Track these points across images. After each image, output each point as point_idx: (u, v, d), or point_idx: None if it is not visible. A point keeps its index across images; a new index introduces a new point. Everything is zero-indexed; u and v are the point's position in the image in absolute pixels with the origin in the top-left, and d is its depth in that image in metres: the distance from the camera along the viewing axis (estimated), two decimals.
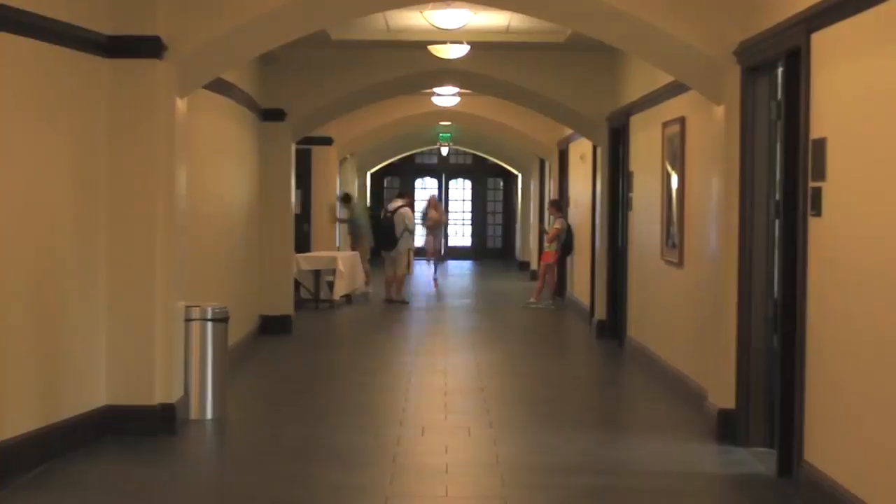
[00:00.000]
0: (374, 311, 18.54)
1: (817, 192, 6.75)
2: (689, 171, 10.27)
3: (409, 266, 21.00)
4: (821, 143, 6.69)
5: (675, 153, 10.69)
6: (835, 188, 6.55)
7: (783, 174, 7.55)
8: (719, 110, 8.73)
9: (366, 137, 23.11)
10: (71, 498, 6.97)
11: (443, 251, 28.26)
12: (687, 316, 10.21)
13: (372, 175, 33.11)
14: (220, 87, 11.32)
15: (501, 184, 36.50)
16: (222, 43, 8.87)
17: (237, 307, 11.02)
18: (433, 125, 26.59)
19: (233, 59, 10.14)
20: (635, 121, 13.06)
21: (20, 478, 7.14)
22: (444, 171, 36.53)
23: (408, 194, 21.21)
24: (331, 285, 18.73)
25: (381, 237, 19.94)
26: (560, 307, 19.04)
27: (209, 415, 9.17)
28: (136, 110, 8.43)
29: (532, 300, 19.24)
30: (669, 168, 10.99)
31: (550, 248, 18.97)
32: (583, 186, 17.54)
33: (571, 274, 19.23)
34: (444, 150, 33.79)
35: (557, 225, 18.91)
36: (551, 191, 22.38)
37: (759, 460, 7.92)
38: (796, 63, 7.17)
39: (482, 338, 15.09)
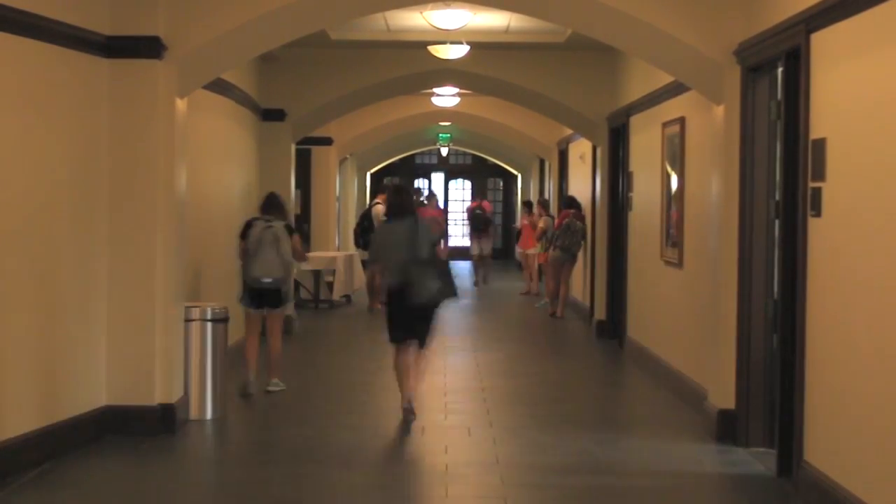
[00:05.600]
0: (373, 312, 18.52)
1: (817, 193, 6.75)
2: (689, 171, 10.27)
3: None
4: (821, 144, 6.69)
5: (675, 153, 10.69)
6: (835, 188, 6.55)
7: (783, 174, 7.55)
8: (719, 110, 8.73)
9: (366, 137, 23.11)
10: (71, 498, 6.97)
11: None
12: (687, 316, 10.21)
13: (372, 175, 33.11)
14: (220, 87, 11.33)
15: (501, 184, 36.50)
16: (222, 43, 8.87)
17: (237, 307, 11.00)
18: (433, 125, 26.59)
19: (233, 59, 10.14)
20: (635, 121, 13.06)
21: (20, 477, 7.14)
22: (444, 171, 36.54)
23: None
24: (330, 286, 18.71)
25: (362, 238, 19.04)
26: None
27: (209, 415, 9.17)
28: (136, 110, 8.44)
29: (545, 300, 19.14)
30: (669, 168, 10.99)
31: (539, 249, 19.09)
32: (583, 186, 17.54)
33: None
34: (444, 151, 33.80)
35: (541, 224, 19.22)
36: (547, 190, 22.55)
37: (759, 460, 7.92)
38: (796, 63, 7.18)
39: (482, 338, 15.09)
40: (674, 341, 10.83)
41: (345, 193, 25.14)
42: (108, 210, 8.40)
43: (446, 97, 20.24)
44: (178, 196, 8.75)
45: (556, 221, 17.99)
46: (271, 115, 14.77)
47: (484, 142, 29.34)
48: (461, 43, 13.87)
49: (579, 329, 16.22)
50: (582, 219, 16.99)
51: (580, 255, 17.19)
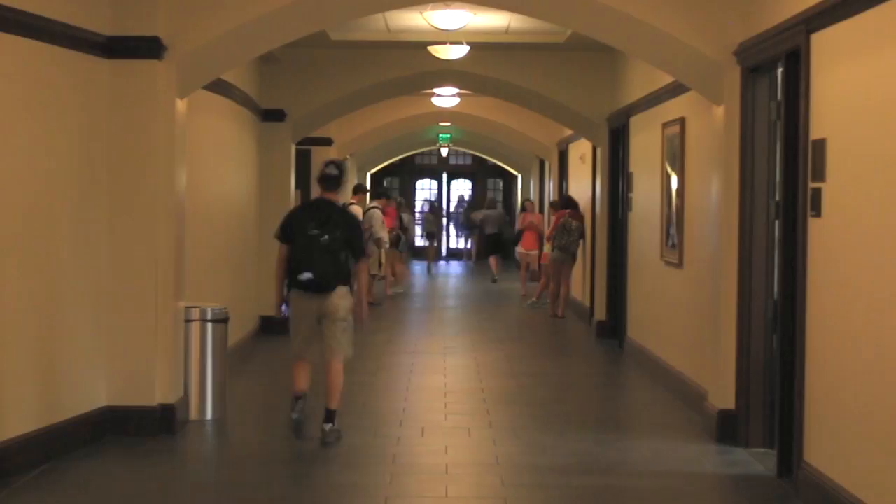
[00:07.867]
0: (371, 312, 18.51)
1: (817, 193, 6.75)
2: (689, 172, 10.27)
3: (380, 268, 20.67)
4: (821, 144, 6.69)
5: (675, 154, 10.69)
6: (834, 189, 6.55)
7: (783, 175, 7.55)
8: (719, 111, 8.73)
9: (366, 137, 23.12)
10: (71, 498, 6.97)
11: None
12: (687, 316, 10.21)
13: (372, 175, 33.12)
14: (220, 87, 11.33)
15: (501, 184, 36.50)
16: (222, 43, 8.87)
17: (237, 307, 11.01)
18: (433, 126, 26.60)
19: (233, 59, 10.14)
20: (635, 121, 13.06)
21: (21, 478, 7.14)
22: (444, 171, 36.54)
23: (363, 191, 19.30)
24: None
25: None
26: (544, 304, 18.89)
27: (209, 415, 9.17)
28: (136, 111, 8.43)
29: (534, 298, 19.39)
30: (669, 168, 10.99)
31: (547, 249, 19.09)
32: (583, 187, 17.54)
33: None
34: (444, 151, 33.82)
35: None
36: (547, 190, 22.49)
37: (759, 460, 7.92)
38: (796, 63, 7.18)
39: (481, 338, 15.08)
40: (674, 341, 10.83)
41: (345, 194, 25.10)
42: (108, 210, 8.39)
43: (446, 97, 20.24)
44: (178, 196, 8.75)
45: (553, 221, 17.94)
46: (271, 116, 14.77)
47: (484, 142, 29.34)
48: (461, 43, 13.87)
49: (579, 329, 16.22)
50: (578, 218, 17.01)
51: (580, 255, 17.22)
